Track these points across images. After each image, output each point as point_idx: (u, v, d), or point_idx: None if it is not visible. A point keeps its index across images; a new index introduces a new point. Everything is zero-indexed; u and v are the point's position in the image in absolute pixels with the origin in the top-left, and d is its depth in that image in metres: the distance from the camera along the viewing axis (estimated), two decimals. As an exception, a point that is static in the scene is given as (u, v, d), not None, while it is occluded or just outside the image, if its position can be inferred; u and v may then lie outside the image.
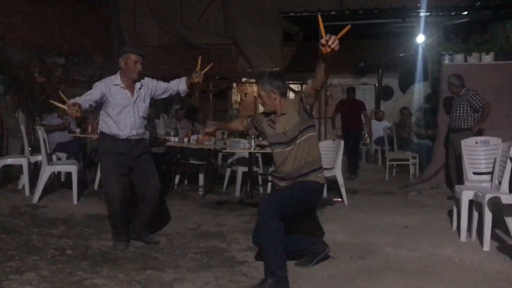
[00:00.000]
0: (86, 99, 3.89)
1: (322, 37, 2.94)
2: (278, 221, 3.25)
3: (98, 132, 4.23)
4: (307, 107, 3.39)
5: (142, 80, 4.20)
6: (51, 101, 3.86)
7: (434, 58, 10.13)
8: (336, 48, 2.93)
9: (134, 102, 4.11)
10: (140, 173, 4.16)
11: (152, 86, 4.26)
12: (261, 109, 3.79)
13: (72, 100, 3.64)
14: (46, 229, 4.61)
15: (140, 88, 4.17)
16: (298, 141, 3.42)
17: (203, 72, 4.34)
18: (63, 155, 6.97)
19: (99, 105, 4.07)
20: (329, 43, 2.92)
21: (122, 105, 4.07)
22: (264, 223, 3.27)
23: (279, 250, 3.25)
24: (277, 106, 3.50)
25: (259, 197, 6.70)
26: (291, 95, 14.54)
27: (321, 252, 3.76)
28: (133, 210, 4.25)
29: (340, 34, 3.00)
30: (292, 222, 3.61)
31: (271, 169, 4.09)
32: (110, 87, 4.06)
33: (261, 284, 3.23)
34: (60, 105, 3.61)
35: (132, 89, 4.12)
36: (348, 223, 5.25)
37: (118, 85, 4.08)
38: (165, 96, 4.40)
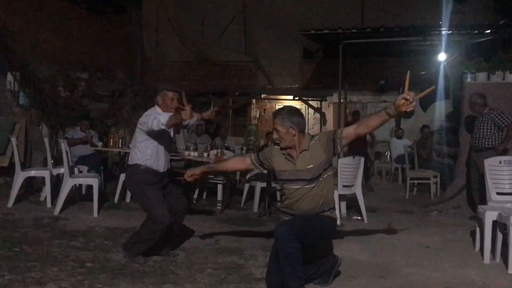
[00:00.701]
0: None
1: (404, 92, 2.91)
2: (296, 243, 3.17)
3: (132, 163, 4.24)
4: (339, 148, 3.35)
5: None
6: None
7: (456, 77, 10.03)
8: (412, 108, 2.94)
9: (172, 137, 4.38)
10: (169, 198, 4.29)
11: None
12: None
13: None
14: (66, 241, 4.65)
15: None
16: (321, 179, 3.36)
17: (214, 110, 4.54)
18: (84, 168, 7.08)
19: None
20: (411, 100, 2.87)
21: (164, 139, 4.24)
22: (282, 245, 3.19)
23: (298, 269, 3.18)
24: (295, 142, 3.40)
25: (277, 213, 6.66)
26: (311, 112, 14.54)
27: (333, 267, 3.67)
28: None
29: (422, 94, 3.06)
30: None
31: (279, 204, 3.94)
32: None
33: None
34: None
35: None
36: (368, 242, 5.17)
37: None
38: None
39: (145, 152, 4.17)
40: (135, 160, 4.20)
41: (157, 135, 4.15)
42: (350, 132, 3.32)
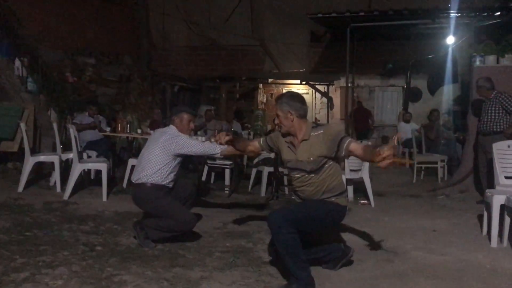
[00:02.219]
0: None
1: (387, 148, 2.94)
2: (290, 228, 3.14)
3: (138, 182, 4.25)
4: (340, 156, 3.37)
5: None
6: None
7: (465, 60, 9.94)
8: (385, 165, 2.97)
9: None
10: (175, 189, 4.41)
11: None
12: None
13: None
14: (76, 225, 4.71)
15: None
16: (323, 169, 3.34)
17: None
18: (93, 153, 7.13)
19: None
20: (384, 156, 2.93)
21: (182, 160, 4.39)
22: (275, 233, 3.18)
23: (298, 255, 3.18)
24: (295, 128, 3.37)
25: (284, 198, 6.70)
26: (318, 97, 14.47)
27: (344, 257, 3.68)
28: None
29: (396, 160, 3.07)
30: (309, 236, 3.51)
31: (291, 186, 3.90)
32: None
33: (286, 286, 3.23)
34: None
35: None
36: (375, 226, 5.19)
37: None
38: None
39: (161, 172, 4.20)
40: (145, 179, 4.18)
41: (182, 155, 4.30)
42: (357, 151, 3.25)
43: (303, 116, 3.39)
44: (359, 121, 12.48)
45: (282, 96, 3.50)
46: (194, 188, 4.69)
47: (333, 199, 3.39)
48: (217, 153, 4.24)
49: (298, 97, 3.45)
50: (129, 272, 3.48)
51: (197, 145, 4.28)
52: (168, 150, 4.19)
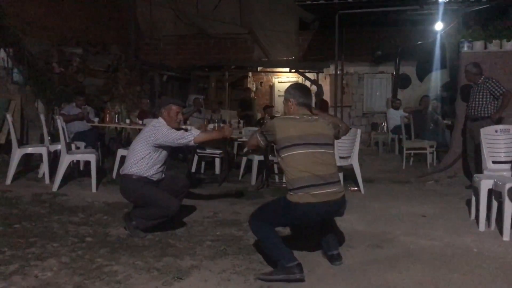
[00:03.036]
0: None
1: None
2: (258, 222, 3.37)
3: (123, 172, 4.30)
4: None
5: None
6: None
7: (453, 46, 9.96)
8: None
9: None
10: (167, 181, 4.41)
11: None
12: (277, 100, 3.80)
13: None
14: (66, 217, 4.69)
15: None
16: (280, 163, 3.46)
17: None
18: (81, 144, 7.08)
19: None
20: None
21: (168, 151, 4.35)
22: (252, 231, 3.47)
23: (276, 244, 3.32)
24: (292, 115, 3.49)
25: (274, 186, 6.72)
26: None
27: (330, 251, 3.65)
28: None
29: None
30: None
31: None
32: None
33: (268, 273, 3.29)
34: None
35: None
36: (365, 212, 5.23)
37: None
38: None
39: (141, 164, 4.21)
40: (127, 170, 4.24)
41: (165, 148, 4.28)
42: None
43: (302, 104, 3.48)
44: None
45: (290, 85, 3.72)
46: (187, 181, 4.64)
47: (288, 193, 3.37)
48: (191, 141, 4.20)
49: (301, 88, 3.63)
50: (119, 262, 3.48)
51: (172, 135, 4.20)
52: (148, 141, 4.21)
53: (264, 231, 3.35)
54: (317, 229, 3.71)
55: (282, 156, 3.33)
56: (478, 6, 9.91)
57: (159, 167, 4.31)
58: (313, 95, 11.29)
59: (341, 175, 6.52)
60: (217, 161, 7.25)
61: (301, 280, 3.20)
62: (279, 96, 15.02)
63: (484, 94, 6.27)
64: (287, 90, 3.57)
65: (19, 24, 9.52)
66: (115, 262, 3.48)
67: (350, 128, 3.73)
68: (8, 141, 7.04)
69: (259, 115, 12.47)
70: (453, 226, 4.66)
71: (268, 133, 3.41)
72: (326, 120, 3.50)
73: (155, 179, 4.30)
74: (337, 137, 3.59)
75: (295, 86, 3.65)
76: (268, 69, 15.17)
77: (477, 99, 6.34)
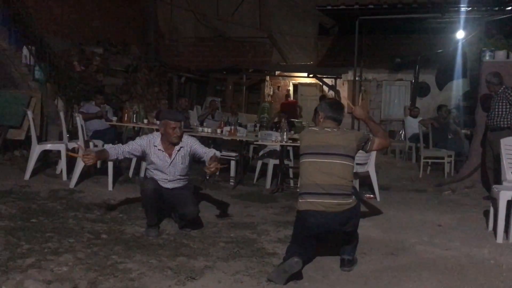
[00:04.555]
0: (122, 150, 4.24)
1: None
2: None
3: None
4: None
5: (183, 141, 4.34)
6: (69, 153, 4.81)
7: (474, 55, 9.85)
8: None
9: (170, 164, 4.30)
10: (176, 198, 4.33)
11: (190, 148, 4.36)
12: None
13: (106, 146, 4.28)
14: (82, 213, 4.74)
15: (179, 150, 4.31)
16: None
17: (217, 166, 4.13)
18: (99, 142, 7.14)
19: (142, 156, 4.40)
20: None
21: (159, 165, 4.30)
22: None
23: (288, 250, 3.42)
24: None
25: (289, 190, 6.70)
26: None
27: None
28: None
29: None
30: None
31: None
32: (150, 145, 4.29)
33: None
34: (74, 154, 4.16)
35: (170, 151, 4.29)
36: (380, 220, 5.19)
37: (156, 146, 4.27)
38: None
39: (149, 170, 4.39)
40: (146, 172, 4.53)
41: (150, 159, 4.30)
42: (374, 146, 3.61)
43: (328, 118, 3.61)
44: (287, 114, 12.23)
45: (324, 99, 4.06)
46: (195, 210, 4.36)
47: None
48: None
49: (331, 103, 3.80)
50: (133, 260, 3.50)
51: (122, 147, 4.29)
52: None
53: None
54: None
55: (300, 164, 3.56)
56: (501, 15, 9.78)
57: (165, 182, 4.32)
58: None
59: (357, 182, 6.53)
60: (233, 163, 7.26)
61: (291, 264, 3.20)
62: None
63: (504, 104, 6.17)
64: (320, 104, 3.80)
65: (42, 22, 9.70)
66: (129, 259, 3.50)
67: (390, 143, 3.84)
68: (28, 137, 7.15)
69: (275, 119, 12.47)
70: (470, 236, 4.58)
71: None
72: (354, 133, 3.60)
73: (166, 187, 4.32)
74: (364, 150, 3.59)
75: (327, 101, 3.95)
76: (286, 74, 15.18)
77: (496, 109, 6.25)
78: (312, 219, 3.34)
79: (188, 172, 4.53)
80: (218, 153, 4.32)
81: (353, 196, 3.47)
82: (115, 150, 4.23)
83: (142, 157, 4.43)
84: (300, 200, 3.43)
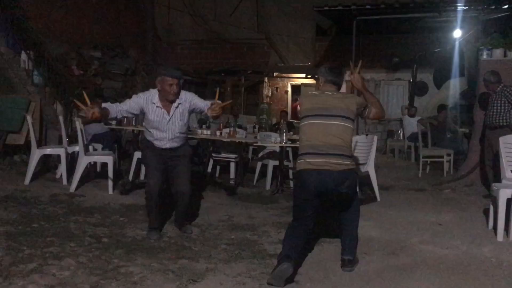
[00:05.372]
0: (120, 109, 4.18)
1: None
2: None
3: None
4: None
5: (180, 97, 4.28)
6: (75, 100, 4.29)
7: (471, 53, 9.86)
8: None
9: (169, 121, 4.24)
10: (173, 171, 4.30)
11: (190, 103, 4.33)
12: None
13: (103, 105, 4.10)
14: (83, 217, 4.74)
15: (177, 107, 4.26)
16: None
17: (221, 105, 4.21)
18: (99, 146, 7.15)
19: (139, 115, 4.39)
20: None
21: (157, 122, 4.23)
22: None
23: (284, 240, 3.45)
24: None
25: (289, 191, 6.70)
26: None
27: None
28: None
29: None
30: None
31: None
32: (148, 103, 4.22)
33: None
34: (81, 105, 3.95)
35: (168, 108, 4.24)
36: (381, 219, 5.19)
37: (154, 103, 4.22)
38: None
39: (146, 130, 4.33)
40: (145, 134, 4.40)
41: (148, 117, 4.24)
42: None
43: (329, 82, 3.66)
44: None
45: (323, 65, 3.87)
46: (189, 187, 4.32)
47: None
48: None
49: (331, 67, 3.75)
50: (135, 263, 3.50)
51: (120, 105, 4.25)
52: None
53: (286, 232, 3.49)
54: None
55: (299, 127, 3.61)
56: (498, 13, 9.79)
57: (163, 140, 4.24)
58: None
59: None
60: (232, 165, 7.26)
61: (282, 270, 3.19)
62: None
63: (502, 102, 6.19)
64: (319, 70, 3.77)
65: (40, 27, 9.70)
66: (131, 263, 3.51)
67: (383, 116, 3.80)
68: (28, 142, 7.14)
69: (274, 120, 12.49)
70: (470, 235, 4.59)
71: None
72: (354, 97, 3.64)
73: (163, 147, 4.25)
74: (361, 116, 3.67)
75: (326, 66, 3.80)
76: (284, 75, 15.18)
77: (495, 108, 6.27)
78: (309, 177, 3.39)
79: (187, 130, 4.51)
80: (219, 102, 4.29)
81: (351, 159, 3.50)
82: (114, 109, 4.16)
83: (140, 116, 4.33)
84: (298, 161, 3.49)
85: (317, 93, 3.70)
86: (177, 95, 4.21)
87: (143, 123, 4.41)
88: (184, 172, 4.31)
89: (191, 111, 4.40)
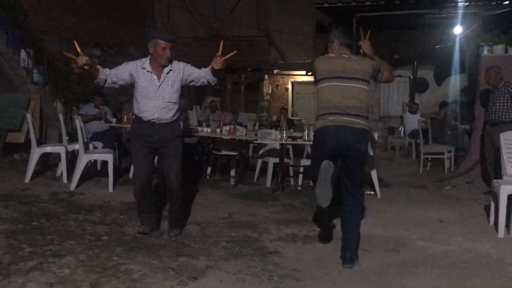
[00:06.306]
0: (110, 72, 4.10)
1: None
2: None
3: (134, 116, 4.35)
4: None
5: (172, 65, 4.16)
6: (64, 52, 4.24)
7: (472, 50, 9.83)
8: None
9: (159, 87, 4.09)
10: (162, 157, 4.20)
11: (183, 72, 4.22)
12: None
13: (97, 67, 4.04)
14: (83, 215, 4.73)
15: (168, 73, 4.13)
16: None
17: (223, 58, 4.22)
18: (99, 144, 7.14)
19: (128, 84, 4.20)
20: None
21: (146, 89, 4.09)
22: None
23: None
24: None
25: (289, 189, 6.70)
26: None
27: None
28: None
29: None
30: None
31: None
32: (138, 69, 4.11)
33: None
34: (71, 55, 3.89)
35: (159, 74, 4.10)
36: (381, 216, 5.19)
37: (145, 68, 4.10)
38: (198, 84, 4.38)
39: (135, 101, 4.19)
40: (134, 110, 4.30)
41: (138, 84, 4.11)
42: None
43: (344, 44, 3.75)
44: None
45: (336, 28, 4.10)
46: (179, 174, 4.17)
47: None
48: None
49: (345, 31, 3.90)
50: (135, 261, 3.49)
51: (110, 70, 4.13)
52: None
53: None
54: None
55: (317, 90, 3.68)
56: (499, 10, 9.77)
57: (152, 109, 4.08)
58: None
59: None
60: (233, 162, 7.25)
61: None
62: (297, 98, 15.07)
63: (504, 98, 6.17)
64: (333, 32, 3.84)
65: (39, 25, 9.67)
66: (131, 261, 3.50)
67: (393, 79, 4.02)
68: (28, 140, 7.14)
69: (274, 117, 12.47)
70: (471, 231, 4.59)
71: (314, 71, 3.75)
72: (369, 60, 3.71)
73: (148, 118, 4.09)
74: (375, 78, 3.82)
75: (340, 29, 3.93)
76: (284, 72, 15.16)
77: (497, 104, 6.25)
78: (330, 132, 3.54)
79: (178, 100, 4.27)
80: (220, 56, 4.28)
81: (368, 121, 3.62)
82: (105, 71, 4.07)
83: (130, 84, 4.16)
84: (317, 121, 3.64)
85: (333, 55, 3.73)
86: (168, 59, 4.09)
87: (134, 92, 4.18)
88: (173, 156, 4.14)
89: (185, 82, 4.23)
